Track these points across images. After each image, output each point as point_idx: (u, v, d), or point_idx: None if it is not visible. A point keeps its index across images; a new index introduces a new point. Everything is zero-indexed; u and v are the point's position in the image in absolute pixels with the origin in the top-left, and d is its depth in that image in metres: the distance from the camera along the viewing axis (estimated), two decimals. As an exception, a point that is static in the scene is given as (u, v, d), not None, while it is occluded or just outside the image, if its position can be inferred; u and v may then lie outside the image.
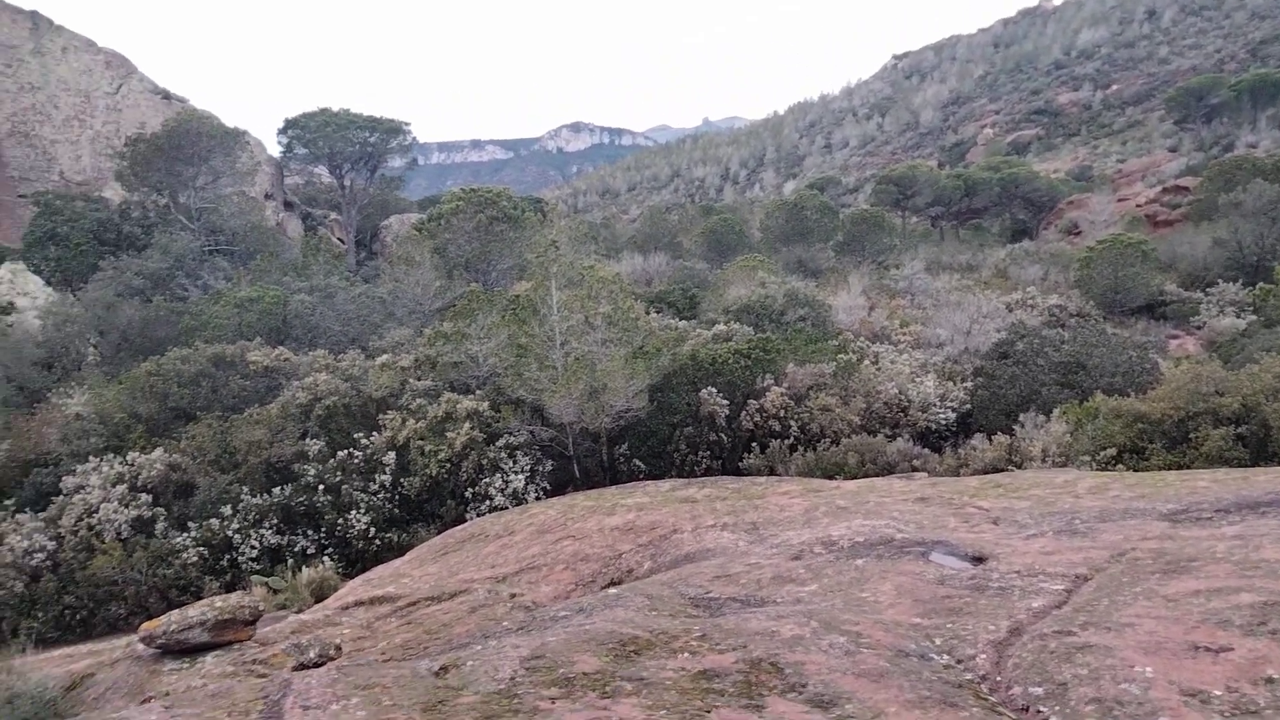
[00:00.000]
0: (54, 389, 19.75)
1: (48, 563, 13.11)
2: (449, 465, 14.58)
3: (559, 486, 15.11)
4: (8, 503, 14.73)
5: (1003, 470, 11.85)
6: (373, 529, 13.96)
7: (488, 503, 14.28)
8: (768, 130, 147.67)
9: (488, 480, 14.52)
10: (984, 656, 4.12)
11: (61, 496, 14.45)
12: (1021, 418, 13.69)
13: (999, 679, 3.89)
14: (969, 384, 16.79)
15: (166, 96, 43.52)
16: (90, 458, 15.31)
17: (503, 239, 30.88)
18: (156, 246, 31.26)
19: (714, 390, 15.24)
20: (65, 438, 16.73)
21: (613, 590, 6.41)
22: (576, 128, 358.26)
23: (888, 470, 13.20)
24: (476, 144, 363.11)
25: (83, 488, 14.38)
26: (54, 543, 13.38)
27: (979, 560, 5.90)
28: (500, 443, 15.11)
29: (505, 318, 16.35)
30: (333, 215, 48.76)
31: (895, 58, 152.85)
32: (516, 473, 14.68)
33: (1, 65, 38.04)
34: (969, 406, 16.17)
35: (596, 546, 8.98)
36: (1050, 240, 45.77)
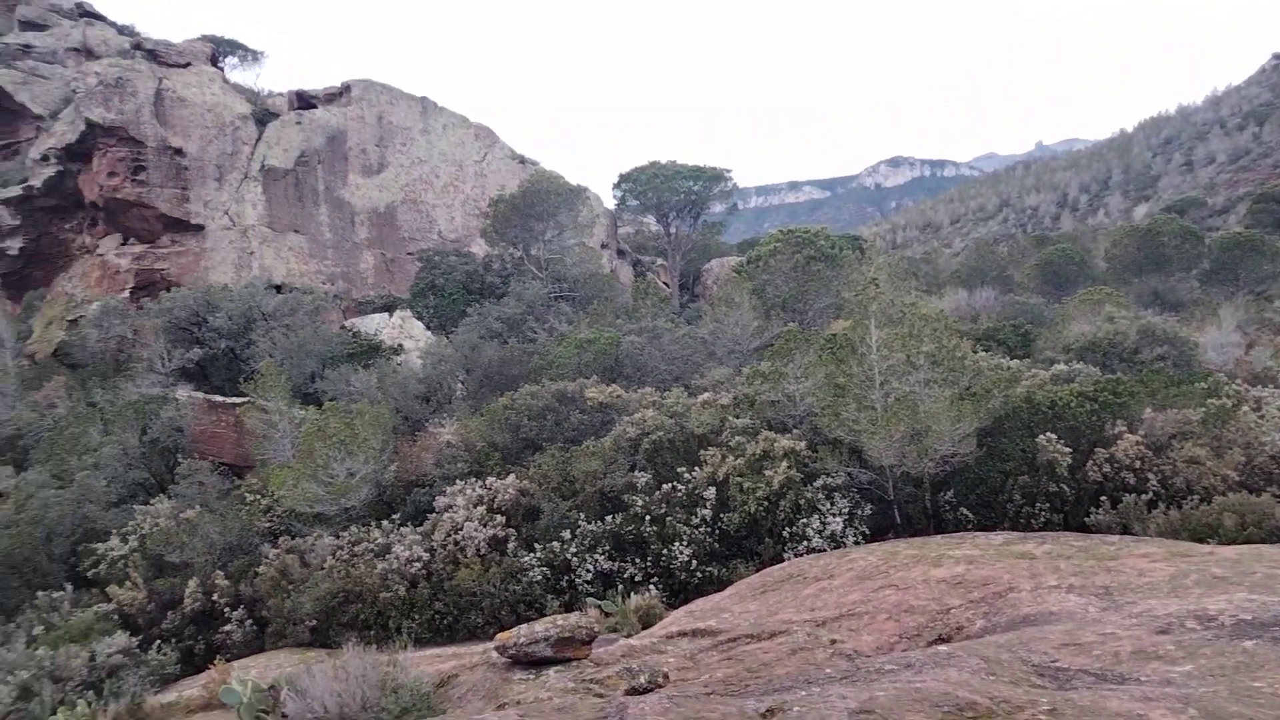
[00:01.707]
0: (430, 419, 22.86)
1: (423, 571, 15.13)
2: (767, 503, 14.73)
3: (878, 531, 14.64)
4: (394, 517, 17.27)
5: None
6: (694, 561, 14.45)
7: (805, 543, 14.21)
8: (1113, 150, 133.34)
9: (805, 520, 14.46)
10: None
11: (434, 514, 16.66)
12: None
13: None
14: (1392, 437, 13.81)
15: (521, 161, 49.14)
16: (457, 480, 17.50)
17: (819, 278, 30.87)
18: (512, 294, 35.37)
19: (1053, 436, 13.96)
20: (438, 462, 19.31)
21: (942, 648, 6.09)
22: (895, 162, 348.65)
23: (1277, 536, 11.22)
24: (793, 185, 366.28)
25: (451, 507, 16.46)
26: (428, 554, 15.41)
27: None
28: (818, 483, 15.01)
29: (822, 357, 16.27)
30: (659, 261, 51.78)
31: (1276, 56, 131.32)
32: (834, 515, 14.47)
33: (399, 145, 45.43)
34: (1392, 465, 13.28)
35: (921, 598, 8.58)
36: None
